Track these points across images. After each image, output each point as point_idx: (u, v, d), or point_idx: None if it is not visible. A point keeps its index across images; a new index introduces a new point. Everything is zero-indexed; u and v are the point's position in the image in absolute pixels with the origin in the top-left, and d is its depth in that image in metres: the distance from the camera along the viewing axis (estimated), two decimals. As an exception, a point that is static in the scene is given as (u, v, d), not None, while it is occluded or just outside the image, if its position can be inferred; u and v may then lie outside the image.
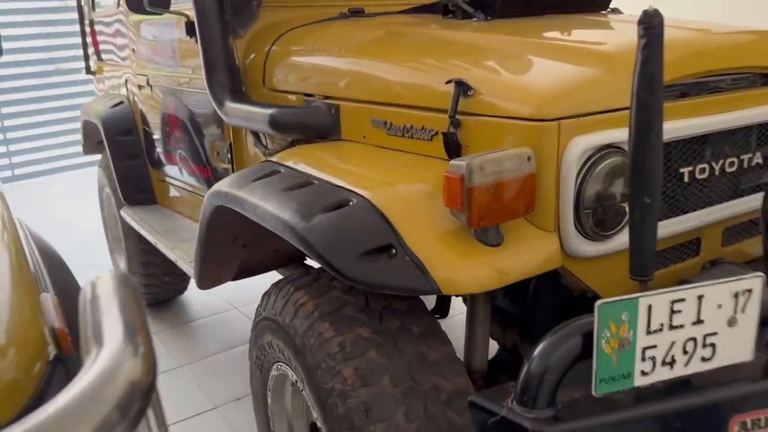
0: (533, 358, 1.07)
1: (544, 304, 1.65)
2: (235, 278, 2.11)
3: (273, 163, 1.71)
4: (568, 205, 1.32)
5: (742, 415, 1.11)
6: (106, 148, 3.13)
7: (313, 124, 1.82)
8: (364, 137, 1.74)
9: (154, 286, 3.34)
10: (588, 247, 1.36)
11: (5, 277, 0.68)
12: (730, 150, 1.60)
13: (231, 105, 2.02)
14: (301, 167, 1.61)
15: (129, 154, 3.11)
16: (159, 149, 2.96)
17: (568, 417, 1.04)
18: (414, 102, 1.58)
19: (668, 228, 1.50)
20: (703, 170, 1.55)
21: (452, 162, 1.25)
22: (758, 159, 1.67)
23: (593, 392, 1.03)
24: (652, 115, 1.06)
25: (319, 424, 1.46)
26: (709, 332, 1.08)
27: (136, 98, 3.09)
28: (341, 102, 1.80)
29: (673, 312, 1.05)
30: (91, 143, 3.75)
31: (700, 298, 1.06)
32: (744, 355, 1.12)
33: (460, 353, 1.52)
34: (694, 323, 1.07)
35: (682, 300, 1.05)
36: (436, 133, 1.50)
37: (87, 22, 3.76)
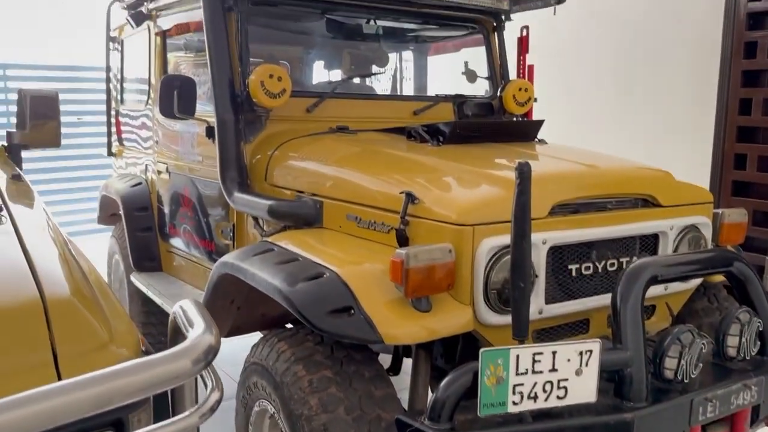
0: (439, 388, 1.56)
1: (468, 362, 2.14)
2: (227, 335, 2.58)
3: (269, 243, 2.23)
4: (479, 285, 1.85)
5: (585, 439, 1.59)
6: (123, 220, 3.65)
7: (302, 214, 2.36)
8: (340, 227, 2.28)
9: (151, 344, 3.76)
10: (494, 318, 1.88)
11: (114, 301, 1.19)
12: (611, 254, 2.15)
13: (238, 195, 2.57)
14: (290, 247, 2.14)
15: (143, 227, 3.63)
16: (169, 224, 3.48)
17: (461, 429, 1.52)
18: (377, 204, 2.14)
19: (561, 309, 2.03)
20: (588, 268, 2.09)
21: (396, 251, 1.78)
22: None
23: (479, 414, 1.52)
24: (524, 228, 1.61)
25: (288, 444, 1.91)
26: (562, 378, 1.58)
27: (154, 180, 3.65)
28: (324, 199, 2.35)
29: (534, 361, 1.55)
30: (105, 215, 4.28)
31: (554, 353, 1.57)
32: (589, 397, 1.61)
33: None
34: (550, 370, 1.57)
35: (540, 353, 1.56)
36: (391, 228, 2.04)
37: (113, 112, 4.39)
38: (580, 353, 1.59)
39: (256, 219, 2.67)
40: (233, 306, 2.43)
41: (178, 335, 1.02)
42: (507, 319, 1.89)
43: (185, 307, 1.01)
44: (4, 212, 1.35)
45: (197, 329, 0.92)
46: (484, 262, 1.84)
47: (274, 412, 2.01)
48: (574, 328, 2.14)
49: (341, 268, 1.90)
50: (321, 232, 2.33)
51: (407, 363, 2.56)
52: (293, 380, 1.87)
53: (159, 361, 0.81)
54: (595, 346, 1.60)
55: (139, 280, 3.47)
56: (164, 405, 1.12)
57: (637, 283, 1.75)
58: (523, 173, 1.59)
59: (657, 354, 1.75)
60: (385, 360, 2.40)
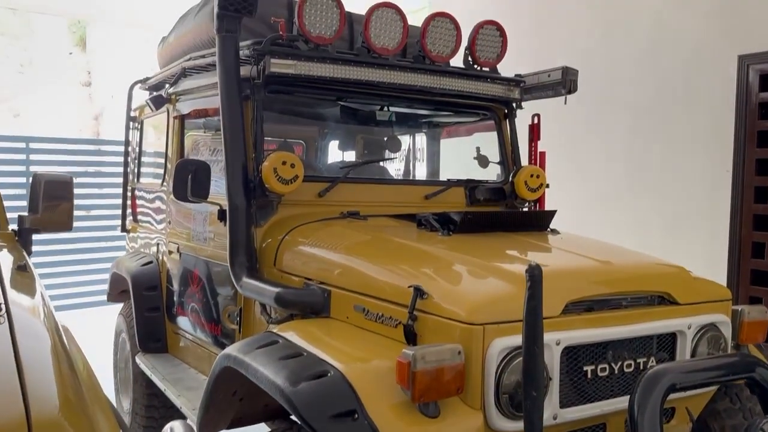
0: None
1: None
2: (228, 427, 2.49)
3: (274, 333, 2.18)
4: (491, 389, 1.77)
5: None
6: (132, 299, 3.62)
7: (309, 302, 2.32)
8: (347, 318, 2.23)
9: (153, 429, 3.65)
10: (506, 424, 1.79)
11: (105, 408, 1.14)
12: (628, 354, 2.06)
13: (247, 280, 2.54)
14: (295, 339, 2.08)
15: (151, 306, 3.60)
16: (177, 305, 3.45)
17: None
18: (385, 296, 2.09)
19: (575, 413, 1.93)
20: (603, 369, 2.01)
21: (403, 351, 1.72)
22: (653, 363, 2.12)
23: None
24: (536, 333, 1.55)
25: None
26: (577, 496, 1.48)
27: (164, 260, 3.65)
28: (332, 288, 2.31)
29: (547, 477, 1.46)
30: (115, 292, 4.27)
31: (568, 468, 1.48)
32: None
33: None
34: (564, 488, 1.47)
35: (554, 469, 1.47)
36: (399, 323, 1.99)
37: (130, 189, 4.45)
38: (598, 470, 1.50)
39: (263, 305, 2.63)
40: (235, 397, 2.35)
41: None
42: (520, 425, 1.79)
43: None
44: (3, 312, 1.33)
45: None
46: (496, 363, 1.77)
47: None
48: (590, 432, 2.03)
49: (346, 365, 1.84)
50: (328, 323, 2.27)
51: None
52: (293, 487, 1.78)
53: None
54: (612, 461, 1.51)
55: (143, 362, 3.40)
56: None
57: (655, 392, 1.67)
58: (534, 276, 1.55)
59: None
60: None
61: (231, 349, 2.15)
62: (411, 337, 1.93)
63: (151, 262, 3.76)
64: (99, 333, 5.57)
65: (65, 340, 1.39)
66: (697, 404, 2.24)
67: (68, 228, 2.54)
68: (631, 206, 4.83)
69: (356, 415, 1.69)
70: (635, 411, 1.66)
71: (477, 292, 1.93)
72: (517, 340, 1.80)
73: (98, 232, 7.73)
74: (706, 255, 4.09)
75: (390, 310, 2.05)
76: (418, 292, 1.93)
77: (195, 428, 2.42)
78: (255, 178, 2.70)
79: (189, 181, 2.69)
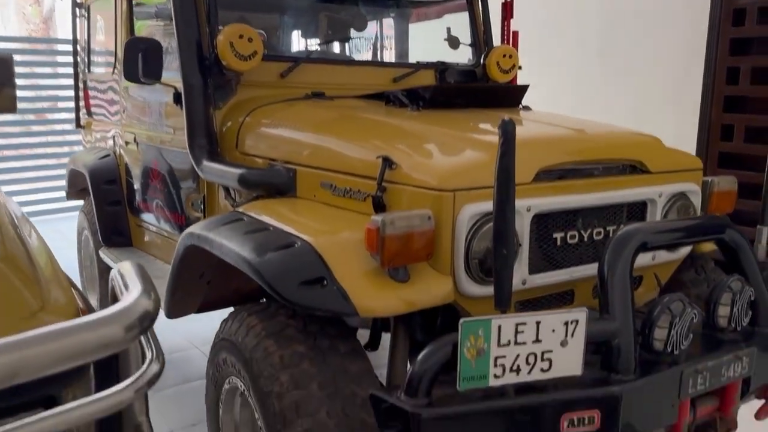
0: (417, 361, 1.46)
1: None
2: (198, 311, 2.46)
3: (239, 212, 2.11)
4: (460, 255, 1.74)
5: (570, 413, 1.50)
6: (91, 194, 3.49)
7: (274, 183, 2.23)
8: (315, 196, 2.16)
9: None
10: (475, 289, 1.78)
11: (56, 270, 1.07)
12: (598, 222, 2.05)
13: (208, 164, 2.44)
14: (261, 216, 2.01)
15: (111, 200, 3.48)
16: (139, 198, 3.33)
17: (439, 405, 1.43)
18: (353, 170, 2.01)
19: (545, 279, 1.93)
20: (573, 236, 2.00)
21: (372, 217, 1.67)
22: (623, 230, 2.12)
23: (458, 388, 1.42)
24: (508, 192, 1.50)
25: (259, 423, 1.80)
26: (546, 350, 1.49)
27: (122, 152, 3.49)
28: (298, 167, 2.22)
29: (517, 332, 1.45)
30: (74, 190, 4.11)
31: (538, 323, 1.47)
32: (575, 370, 1.52)
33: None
34: (534, 341, 1.47)
35: (524, 323, 1.46)
36: (368, 196, 1.93)
37: (81, 83, 4.19)
38: (566, 323, 1.50)
39: (227, 189, 2.54)
40: (203, 280, 2.31)
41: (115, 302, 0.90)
42: (489, 290, 1.79)
43: (123, 270, 0.89)
44: None
45: (133, 292, 0.80)
46: (466, 229, 1.74)
47: (244, 390, 1.91)
48: (558, 299, 2.05)
49: (314, 237, 1.78)
50: (294, 201, 2.20)
51: (386, 338, 2.46)
52: (263, 356, 1.76)
53: (82, 327, 0.69)
54: (581, 315, 1.51)
55: (107, 255, 3.32)
56: (109, 380, 1.00)
57: (626, 250, 1.66)
58: (507, 132, 1.47)
59: (646, 324, 1.67)
60: (363, 336, 2.30)
61: (194, 228, 2.07)
62: (380, 209, 1.87)
63: (108, 155, 3.60)
64: (60, 240, 5.46)
65: (11, 210, 1.29)
66: (663, 273, 2.27)
67: (12, 110, 2.35)
68: (602, 90, 4.75)
69: (325, 282, 1.65)
70: (605, 269, 1.65)
71: (447, 161, 1.86)
72: (487, 206, 1.75)
73: (55, 136, 7.42)
74: (676, 137, 4.06)
75: (358, 184, 1.98)
76: (387, 163, 1.86)
77: (162, 304, 2.38)
78: (210, 54, 2.53)
79: (140, 60, 2.52)
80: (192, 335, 3.89)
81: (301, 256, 1.71)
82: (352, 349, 1.82)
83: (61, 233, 6.20)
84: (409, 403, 1.42)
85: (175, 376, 3.41)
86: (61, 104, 7.44)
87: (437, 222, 1.72)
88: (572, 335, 1.51)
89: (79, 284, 4.21)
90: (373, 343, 2.35)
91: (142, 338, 0.87)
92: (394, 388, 1.50)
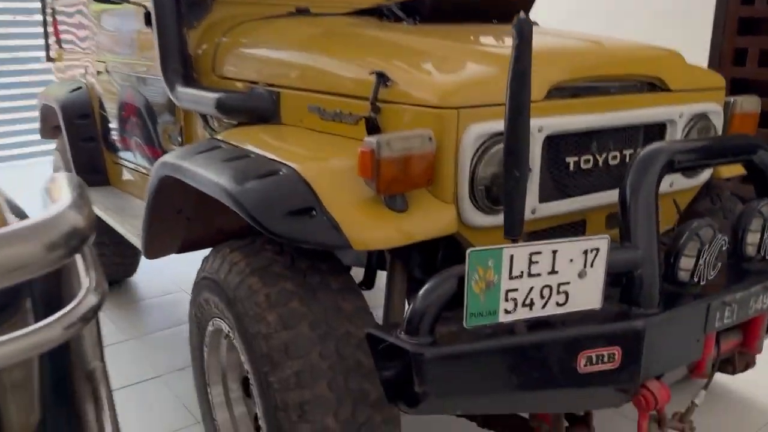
0: (418, 296, 1.30)
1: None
2: (180, 251, 2.29)
3: (216, 140, 1.91)
4: (465, 181, 1.56)
5: (588, 351, 1.36)
6: (63, 130, 3.26)
7: (256, 108, 2.02)
8: (301, 121, 1.95)
9: (104, 266, 3.46)
10: (481, 219, 1.60)
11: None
12: (614, 145, 1.87)
13: (182, 89, 2.21)
14: (241, 143, 1.81)
15: (85, 137, 3.25)
16: (114, 133, 3.10)
17: (443, 343, 1.27)
18: (343, 90, 1.80)
19: (555, 208, 1.76)
20: (587, 161, 1.81)
21: (366, 138, 1.47)
22: (640, 155, 1.94)
23: (464, 324, 1.26)
24: (522, 102, 1.31)
25: (246, 366, 1.66)
26: (563, 281, 1.33)
27: (94, 84, 3.24)
28: (282, 89, 2.01)
29: (531, 262, 1.29)
30: (48, 127, 3.86)
31: (554, 252, 1.31)
32: (593, 303, 1.37)
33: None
34: (549, 273, 1.31)
35: (539, 253, 1.29)
36: (361, 118, 1.73)
37: (49, 11, 3.88)
38: (585, 252, 1.33)
39: (205, 117, 2.32)
40: (181, 216, 2.12)
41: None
42: (495, 219, 1.62)
43: (57, 180, 0.70)
44: None
45: (60, 204, 0.62)
46: (471, 152, 1.55)
47: (229, 332, 1.75)
48: (568, 230, 1.88)
49: (301, 163, 1.59)
50: (278, 128, 2.00)
51: (381, 277, 2.31)
52: (248, 295, 1.60)
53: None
54: (602, 243, 1.34)
55: (83, 195, 3.12)
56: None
57: (652, 170, 1.48)
58: (523, 32, 1.27)
59: (671, 253, 1.51)
60: (357, 274, 2.14)
61: (168, 157, 1.88)
62: (374, 132, 1.68)
63: (80, 88, 3.34)
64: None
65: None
66: (681, 201, 2.11)
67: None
68: (609, 9, 4.46)
69: (314, 212, 1.47)
70: (628, 193, 1.48)
71: (450, 76, 1.65)
72: (495, 126, 1.56)
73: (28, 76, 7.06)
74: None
75: (350, 106, 1.78)
76: (382, 79, 1.64)
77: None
78: (182, -34, 2.26)
79: (104, -26, 2.25)
80: (180, 278, 3.75)
81: (286, 184, 1.52)
82: (345, 286, 1.66)
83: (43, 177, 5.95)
84: (410, 342, 1.27)
85: (163, 320, 3.27)
86: (32, 41, 7.05)
87: (439, 144, 1.53)
88: (592, 265, 1.35)
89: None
90: (368, 282, 2.20)
91: (80, 264, 0.70)
92: (392, 326, 1.34)
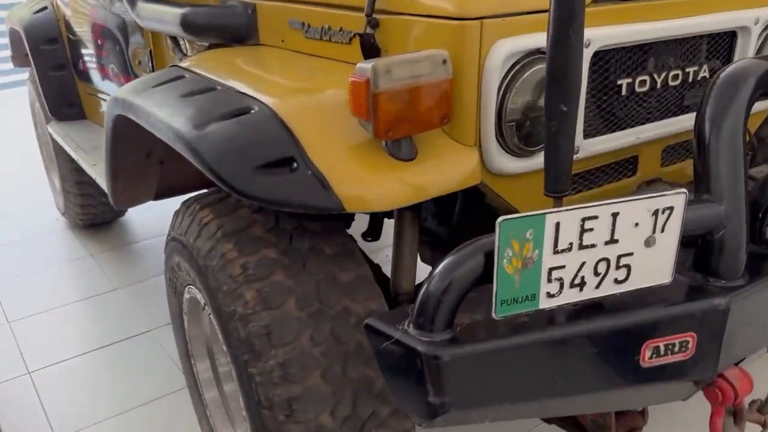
0: (432, 277, 0.98)
1: (470, 224, 1.56)
2: (156, 198, 1.98)
3: (180, 68, 1.54)
4: (490, 116, 1.20)
5: (655, 340, 1.05)
6: (30, 58, 2.89)
7: (228, 25, 1.64)
8: (283, 41, 1.58)
9: (91, 207, 3.18)
10: (511, 164, 1.26)
11: None
12: (674, 62, 1.48)
13: (144, 5, 1.83)
14: (208, 72, 1.45)
15: (54, 64, 2.88)
16: (86, 59, 2.73)
17: (465, 341, 0.96)
18: (332, 1, 1.42)
19: (603, 144, 1.40)
20: (643, 83, 1.43)
21: (358, 65, 1.11)
22: (705, 73, 1.56)
23: (493, 315, 0.95)
24: (572, 9, 0.93)
25: (224, 349, 1.38)
26: (624, 252, 1.00)
27: (60, 3, 2.83)
28: (258, 1, 1.62)
29: (583, 230, 0.96)
30: (20, 54, 3.48)
31: (614, 215, 0.97)
32: (662, 278, 1.04)
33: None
34: (607, 242, 0.98)
35: (594, 217, 0.96)
36: (354, 36, 1.35)
37: None
38: (655, 213, 0.99)
39: (175, 40, 1.94)
40: (152, 160, 1.79)
41: None
42: (529, 164, 1.28)
43: None
44: None
45: None
46: (499, 76, 1.18)
47: (204, 304, 1.46)
48: (616, 170, 1.52)
49: (277, 99, 1.24)
50: (256, 49, 1.63)
51: (388, 225, 1.99)
52: (221, 264, 1.29)
53: None
54: (677, 200, 1.00)
55: (56, 131, 2.79)
56: None
57: (739, 96, 1.11)
58: None
59: (758, 205, 1.16)
60: (360, 224, 1.83)
61: (121, 92, 1.52)
62: (373, 53, 1.31)
63: (45, 8, 2.94)
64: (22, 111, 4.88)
65: None
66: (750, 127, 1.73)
67: None
68: None
69: (295, 164, 1.13)
70: (707, 129, 1.12)
71: (469, -26, 1.25)
72: (532, 40, 1.19)
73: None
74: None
75: (339, 20, 1.40)
76: (379, -18, 1.26)
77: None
78: None
79: None
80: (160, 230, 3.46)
81: (258, 128, 1.18)
82: (343, 250, 1.35)
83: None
84: (421, 339, 0.96)
85: (153, 267, 3.01)
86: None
87: (457, 68, 1.16)
88: (663, 230, 1.01)
89: (39, 162, 3.73)
90: (373, 232, 1.88)
91: None
92: (399, 315, 1.03)
